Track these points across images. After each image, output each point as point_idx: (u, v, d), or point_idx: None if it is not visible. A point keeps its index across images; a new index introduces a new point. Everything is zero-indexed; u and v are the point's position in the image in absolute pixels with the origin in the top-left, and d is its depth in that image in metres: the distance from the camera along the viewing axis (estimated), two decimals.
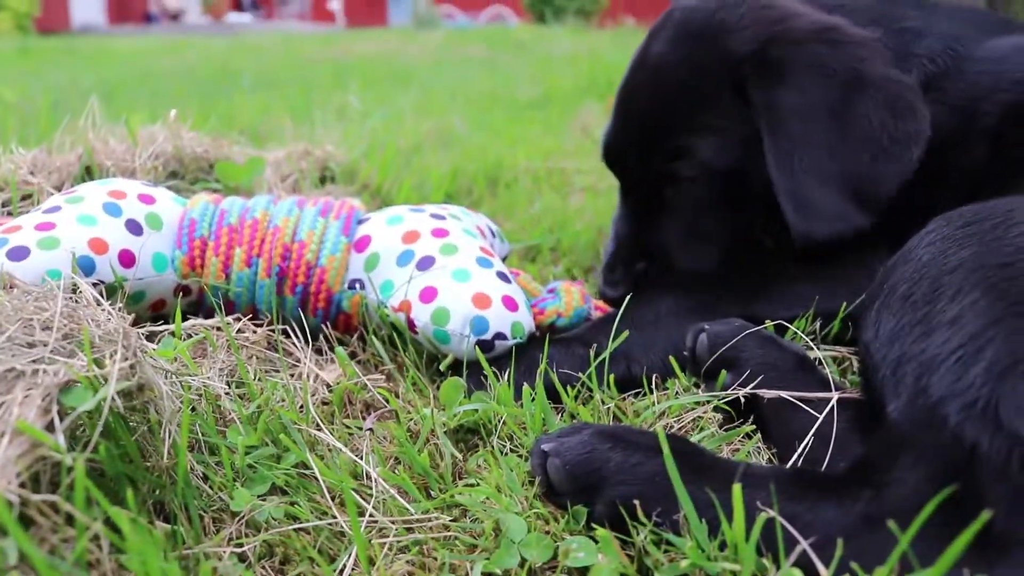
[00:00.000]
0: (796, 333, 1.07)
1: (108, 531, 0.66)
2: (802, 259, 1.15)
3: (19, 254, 1.01)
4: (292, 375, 1.07)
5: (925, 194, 1.11)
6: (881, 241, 1.10)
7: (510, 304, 1.08)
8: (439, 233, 1.16)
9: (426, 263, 1.11)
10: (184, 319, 1.07)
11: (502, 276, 1.12)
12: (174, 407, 0.81)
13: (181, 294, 1.15)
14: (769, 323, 1.04)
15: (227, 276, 1.14)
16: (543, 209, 1.83)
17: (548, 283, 1.31)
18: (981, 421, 0.68)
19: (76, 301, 0.87)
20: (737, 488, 0.66)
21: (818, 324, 1.10)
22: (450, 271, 1.10)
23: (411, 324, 1.09)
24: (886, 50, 1.15)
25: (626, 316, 1.07)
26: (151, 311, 1.15)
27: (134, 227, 1.11)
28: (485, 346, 1.06)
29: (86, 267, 1.04)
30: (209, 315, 1.15)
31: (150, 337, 1.03)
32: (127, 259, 1.09)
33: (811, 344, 1.09)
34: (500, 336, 1.06)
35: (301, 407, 0.98)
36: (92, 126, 1.57)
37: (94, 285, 1.04)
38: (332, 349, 1.14)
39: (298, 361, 1.10)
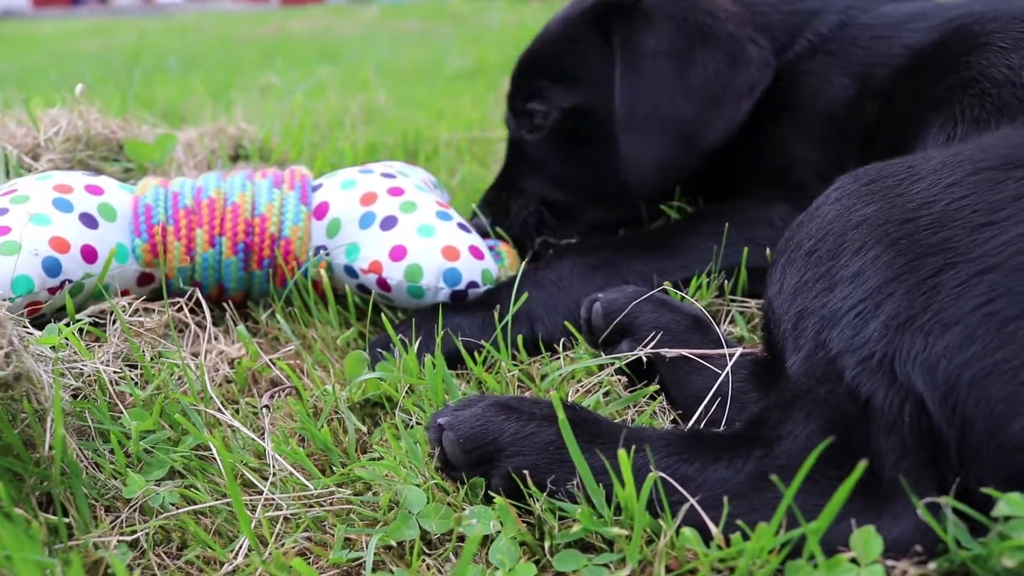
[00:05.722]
0: (700, 289, 1.08)
1: None
2: (703, 215, 1.19)
3: None
4: (195, 354, 1.05)
5: (824, 151, 1.16)
6: (781, 197, 1.14)
7: (476, 253, 1.11)
8: (395, 192, 1.17)
9: (389, 223, 1.12)
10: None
11: (463, 227, 1.15)
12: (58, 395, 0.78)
13: (145, 282, 1.14)
14: (667, 284, 1.04)
15: (191, 258, 1.11)
16: (463, 179, 1.81)
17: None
18: (877, 374, 0.69)
19: None
20: (623, 452, 0.65)
21: (723, 277, 1.11)
22: (415, 227, 1.11)
23: (383, 283, 1.10)
24: (752, 19, 1.25)
25: (529, 277, 1.09)
26: None
27: (89, 220, 1.08)
28: (459, 296, 1.09)
29: (52, 268, 1.01)
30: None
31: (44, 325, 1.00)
32: (89, 254, 1.05)
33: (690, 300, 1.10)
34: (473, 285, 1.09)
35: (201, 389, 0.95)
36: None
37: (61, 285, 1.01)
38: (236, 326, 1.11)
39: (209, 339, 1.08)
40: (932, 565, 0.62)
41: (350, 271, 1.12)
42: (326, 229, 1.15)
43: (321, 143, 2.00)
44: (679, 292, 1.07)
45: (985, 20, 1.09)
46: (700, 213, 1.21)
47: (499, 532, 0.71)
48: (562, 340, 1.05)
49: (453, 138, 2.21)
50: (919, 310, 0.69)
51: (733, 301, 1.12)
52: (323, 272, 1.12)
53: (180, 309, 1.10)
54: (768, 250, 1.09)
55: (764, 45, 1.21)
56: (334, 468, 0.85)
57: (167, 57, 5.16)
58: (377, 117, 2.59)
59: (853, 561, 0.61)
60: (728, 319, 1.10)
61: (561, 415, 0.69)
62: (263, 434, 0.91)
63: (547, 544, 0.69)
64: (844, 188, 0.84)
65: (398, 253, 1.09)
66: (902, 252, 0.73)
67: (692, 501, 0.66)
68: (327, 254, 1.14)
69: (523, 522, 0.72)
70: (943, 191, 0.76)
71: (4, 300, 0.94)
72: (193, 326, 1.08)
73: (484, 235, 1.29)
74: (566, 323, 1.04)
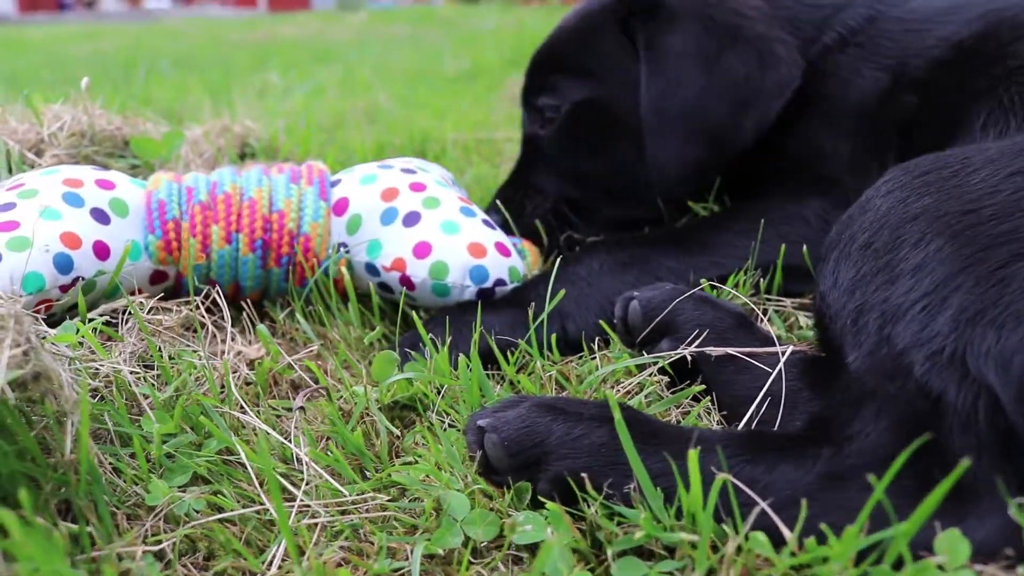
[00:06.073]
0: (737, 288, 1.04)
1: None
2: (735, 212, 1.16)
3: None
4: (213, 354, 1.00)
5: (857, 145, 1.14)
6: (813, 192, 1.11)
7: (503, 250, 1.08)
8: (417, 187, 1.13)
9: (412, 219, 1.08)
10: None
11: (487, 223, 1.12)
12: (77, 397, 0.74)
13: (157, 281, 1.09)
14: (705, 283, 1.01)
15: (207, 256, 1.07)
16: (474, 178, 1.77)
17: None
18: (948, 370, 0.65)
19: None
20: (693, 453, 0.62)
21: (758, 275, 1.07)
22: (439, 224, 1.08)
23: (407, 281, 1.06)
24: (777, 18, 1.24)
25: (559, 273, 1.05)
26: None
27: (100, 216, 1.03)
28: (486, 294, 1.05)
29: (64, 265, 0.96)
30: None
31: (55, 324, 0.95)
32: (102, 251, 1.01)
33: (746, 300, 1.06)
34: (500, 283, 1.06)
35: (223, 389, 0.91)
36: None
37: (73, 282, 0.97)
38: (254, 326, 1.07)
39: (225, 340, 1.03)
40: (1021, 569, 0.59)
41: (372, 269, 1.08)
42: (346, 225, 1.11)
43: (328, 142, 1.96)
44: (715, 289, 1.03)
45: None
46: (731, 210, 1.18)
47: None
48: (596, 339, 1.01)
49: (460, 138, 2.17)
50: (990, 303, 0.66)
51: (769, 300, 1.08)
52: (344, 270, 1.08)
53: (196, 308, 1.05)
54: (804, 247, 1.06)
55: (791, 43, 1.20)
56: (366, 473, 0.81)
57: (160, 60, 5.09)
58: (381, 117, 2.55)
59: (940, 567, 0.58)
60: (765, 318, 1.06)
61: (617, 415, 0.66)
62: (288, 437, 0.87)
63: (608, 551, 0.65)
64: (896, 180, 0.81)
65: (422, 250, 1.05)
66: (967, 243, 0.70)
67: (763, 504, 0.63)
68: (347, 251, 1.10)
69: (576, 528, 0.68)
70: (1004, 181, 0.73)
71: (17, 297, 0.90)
72: (210, 325, 1.04)
73: (508, 232, 1.25)
74: (600, 322, 1.00)
